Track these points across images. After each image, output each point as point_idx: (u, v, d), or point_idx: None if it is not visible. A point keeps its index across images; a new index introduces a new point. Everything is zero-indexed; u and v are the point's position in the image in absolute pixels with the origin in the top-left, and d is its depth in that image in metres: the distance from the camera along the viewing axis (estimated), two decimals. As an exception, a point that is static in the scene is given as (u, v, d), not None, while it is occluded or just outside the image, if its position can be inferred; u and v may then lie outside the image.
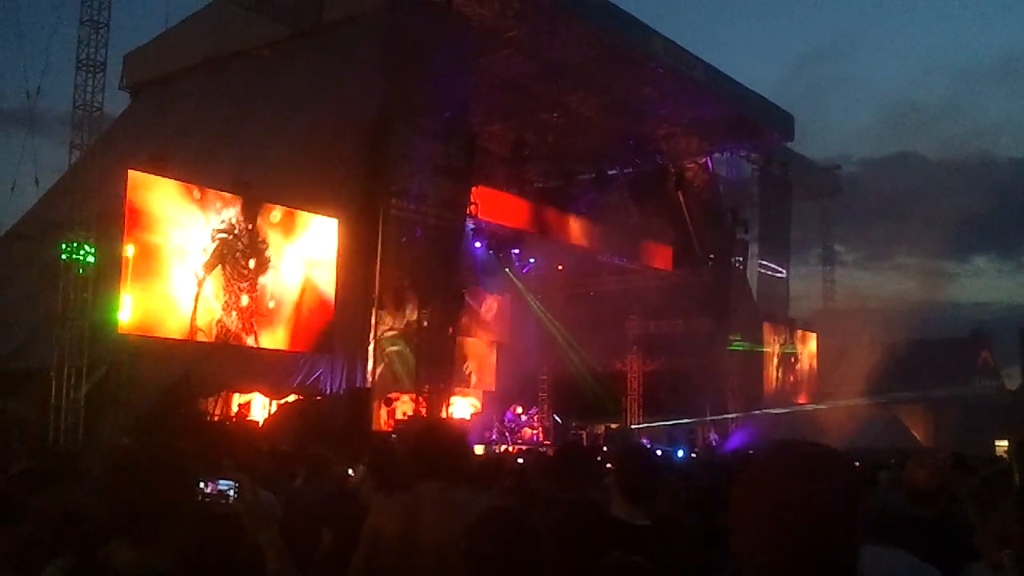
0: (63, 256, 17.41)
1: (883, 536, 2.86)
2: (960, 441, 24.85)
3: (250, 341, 19.76)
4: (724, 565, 5.19)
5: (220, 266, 19.23)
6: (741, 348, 30.88)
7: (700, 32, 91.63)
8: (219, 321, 19.17)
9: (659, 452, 20.62)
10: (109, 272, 17.38)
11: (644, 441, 25.52)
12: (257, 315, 19.90)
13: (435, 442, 3.77)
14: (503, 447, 23.45)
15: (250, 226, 19.81)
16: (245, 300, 19.68)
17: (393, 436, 18.96)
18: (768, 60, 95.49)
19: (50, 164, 36.28)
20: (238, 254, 19.64)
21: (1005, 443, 26.09)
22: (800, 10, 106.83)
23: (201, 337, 18.73)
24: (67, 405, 16.95)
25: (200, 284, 18.75)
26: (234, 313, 19.49)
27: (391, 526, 2.07)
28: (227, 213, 19.40)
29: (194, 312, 18.57)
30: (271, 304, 20.20)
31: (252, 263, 19.90)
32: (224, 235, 19.34)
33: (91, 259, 17.47)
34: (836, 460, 1.89)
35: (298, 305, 20.40)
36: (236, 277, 19.62)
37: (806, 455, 1.89)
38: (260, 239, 19.99)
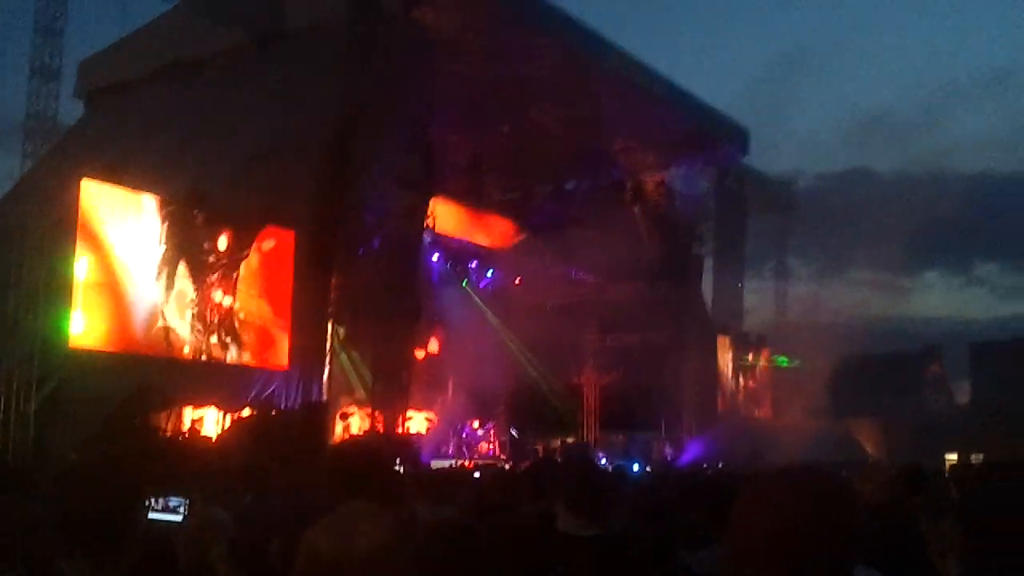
0: (13, 267, 17.13)
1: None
2: (911, 454, 25.07)
3: (229, 350, 19.27)
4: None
5: (182, 261, 18.34)
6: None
7: (661, 40, 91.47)
8: (185, 326, 18.59)
9: (612, 466, 20.67)
10: (61, 284, 17.11)
11: (599, 455, 25.54)
12: (237, 312, 19.30)
13: (348, 461, 3.80)
14: (460, 461, 23.36)
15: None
16: (218, 296, 18.94)
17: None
18: (731, 69, 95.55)
19: (1, 173, 35.86)
20: (199, 233, 18.61)
21: (955, 456, 26.48)
22: (767, 15, 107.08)
23: (173, 342, 18.18)
24: (16, 419, 16.65)
25: (165, 287, 18.11)
26: (204, 314, 18.74)
27: (324, 543, 2.08)
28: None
29: (157, 320, 18.10)
30: (244, 303, 19.55)
31: (222, 242, 18.91)
32: (173, 207, 18.16)
33: (42, 270, 17.19)
34: (834, 481, 1.98)
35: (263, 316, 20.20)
36: (201, 268, 18.61)
37: (808, 477, 1.97)
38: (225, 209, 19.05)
